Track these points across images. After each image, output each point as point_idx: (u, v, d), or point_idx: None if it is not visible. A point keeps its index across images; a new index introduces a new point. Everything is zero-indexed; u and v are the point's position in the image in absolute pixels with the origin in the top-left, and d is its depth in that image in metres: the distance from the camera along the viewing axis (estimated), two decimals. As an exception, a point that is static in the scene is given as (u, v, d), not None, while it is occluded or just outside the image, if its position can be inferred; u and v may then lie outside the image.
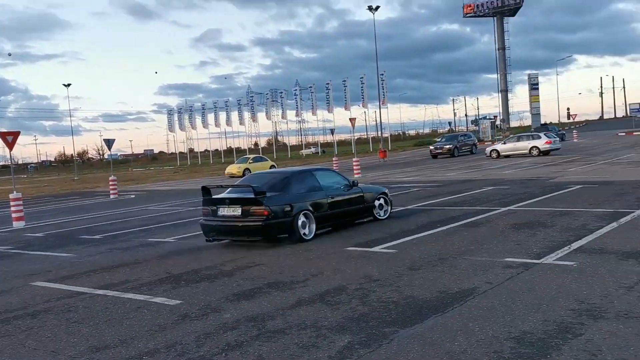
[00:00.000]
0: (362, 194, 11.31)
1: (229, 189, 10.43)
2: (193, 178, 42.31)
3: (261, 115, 79.34)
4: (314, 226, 9.94)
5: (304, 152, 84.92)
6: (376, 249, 8.60)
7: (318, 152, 79.88)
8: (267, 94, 79.70)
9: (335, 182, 11.06)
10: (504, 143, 35.04)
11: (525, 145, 33.00)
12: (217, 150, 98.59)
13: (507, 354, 4.18)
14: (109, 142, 28.77)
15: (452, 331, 4.76)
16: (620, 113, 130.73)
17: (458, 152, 40.28)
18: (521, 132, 44.88)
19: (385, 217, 11.77)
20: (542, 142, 32.43)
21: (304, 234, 9.72)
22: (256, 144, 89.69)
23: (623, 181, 15.70)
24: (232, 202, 9.64)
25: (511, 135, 42.99)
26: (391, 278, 6.73)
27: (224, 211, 9.61)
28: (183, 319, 5.74)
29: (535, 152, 32.23)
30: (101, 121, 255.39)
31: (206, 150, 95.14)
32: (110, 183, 27.45)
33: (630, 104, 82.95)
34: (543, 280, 6.11)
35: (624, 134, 55.13)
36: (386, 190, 12.19)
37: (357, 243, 9.18)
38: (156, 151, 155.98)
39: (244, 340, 4.93)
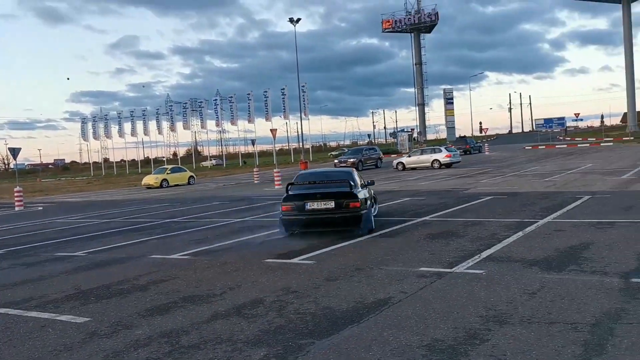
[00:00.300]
0: (371, 191, 12.64)
1: (293, 187, 11.00)
2: (107, 189, 40.75)
3: (180, 125, 77.70)
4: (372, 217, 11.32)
5: (204, 164, 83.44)
6: (295, 260, 8.60)
7: (220, 164, 78.95)
8: (186, 103, 78.20)
9: (361, 180, 11.99)
10: (409, 156, 37.05)
11: (427, 158, 34.98)
12: (134, 160, 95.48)
13: (419, 362, 4.29)
14: (14, 151, 27.22)
15: (367, 341, 4.82)
16: (527, 127, 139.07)
17: (362, 166, 38.90)
18: (434, 145, 46.84)
19: (375, 213, 12.75)
20: (442, 156, 34.62)
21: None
22: (175, 154, 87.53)
23: (529, 192, 16.62)
24: (323, 196, 10.34)
25: (415, 149, 45.04)
26: (309, 289, 6.74)
27: (314, 205, 10.29)
28: (91, 337, 5.47)
29: (436, 164, 34.19)
30: (7, 129, 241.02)
31: (122, 160, 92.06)
32: (16, 194, 25.93)
33: (536, 120, 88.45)
34: (454, 289, 6.33)
35: (530, 147, 58.53)
36: None
37: (276, 254, 9.14)
38: (68, 161, 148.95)
39: (156, 357, 4.76)
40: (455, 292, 6.20)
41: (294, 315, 5.73)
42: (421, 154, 36.21)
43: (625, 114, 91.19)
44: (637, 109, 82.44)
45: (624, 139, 61.48)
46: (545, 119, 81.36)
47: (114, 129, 79.21)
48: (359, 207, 10.25)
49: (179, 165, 47.09)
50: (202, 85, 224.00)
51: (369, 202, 11.07)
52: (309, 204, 10.30)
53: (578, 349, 4.34)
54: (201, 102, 76.47)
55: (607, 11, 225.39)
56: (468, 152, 53.08)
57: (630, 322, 4.89)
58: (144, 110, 78.19)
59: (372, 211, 12.77)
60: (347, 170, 12.15)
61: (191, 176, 38.83)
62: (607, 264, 7.05)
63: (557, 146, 57.57)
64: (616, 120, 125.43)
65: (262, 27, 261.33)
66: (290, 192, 10.76)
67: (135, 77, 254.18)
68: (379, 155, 42.80)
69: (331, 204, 10.22)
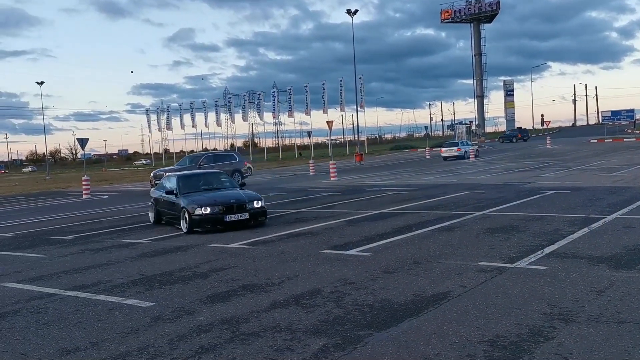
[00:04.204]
0: None
1: None
2: (168, 179, 41.82)
3: (238, 117, 78.93)
4: None
5: (136, 163, 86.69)
6: (352, 252, 8.60)
7: (150, 163, 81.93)
8: (244, 95, 79.31)
9: None
10: (446, 149, 41.47)
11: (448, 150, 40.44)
12: (192, 151, 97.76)
13: (481, 357, 4.21)
14: (83, 142, 28.36)
15: (427, 334, 4.77)
16: (592, 120, 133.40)
17: None
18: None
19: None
20: (454, 150, 39.82)
21: None
22: (232, 146, 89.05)
23: (594, 187, 15.98)
24: None
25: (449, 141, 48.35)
26: (366, 281, 6.73)
27: None
28: (156, 321, 5.66)
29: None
30: (73, 120, 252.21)
31: (181, 151, 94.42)
32: (83, 183, 27.04)
33: (602, 112, 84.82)
34: (516, 285, 6.18)
35: (595, 140, 56.20)
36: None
37: (333, 246, 9.18)
38: (130, 151, 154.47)
39: (217, 343, 4.87)
40: (517, 287, 6.05)
41: (352, 306, 5.74)
42: (442, 147, 42.34)
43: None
44: None
45: (698, 132, 58.17)
46: (612, 111, 77.78)
47: (175, 120, 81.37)
48: None
49: (237, 157, 47.82)
50: (257, 77, 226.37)
51: None
52: None
53: (650, 351, 4.15)
54: (259, 94, 77.34)
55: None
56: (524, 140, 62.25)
57: None
58: (204, 102, 79.80)
59: None
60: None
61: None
62: (681, 263, 6.70)
63: (625, 139, 55.05)
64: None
65: (316, 18, 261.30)
66: None
67: (192, 70, 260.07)
68: (236, 167, 26.76)
69: None
